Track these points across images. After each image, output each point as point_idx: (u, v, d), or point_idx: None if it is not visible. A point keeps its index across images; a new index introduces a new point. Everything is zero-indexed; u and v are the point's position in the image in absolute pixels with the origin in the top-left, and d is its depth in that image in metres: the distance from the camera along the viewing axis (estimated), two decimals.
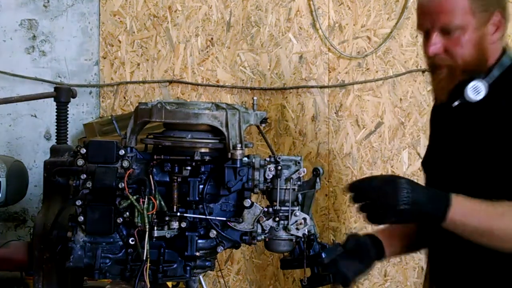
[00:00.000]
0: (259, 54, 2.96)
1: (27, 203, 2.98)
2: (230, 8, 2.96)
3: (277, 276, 2.98)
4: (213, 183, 1.49)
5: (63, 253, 1.49)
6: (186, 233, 1.47)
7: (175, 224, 1.44)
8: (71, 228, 1.46)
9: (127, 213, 1.43)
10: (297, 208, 1.50)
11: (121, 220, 1.44)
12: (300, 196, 1.52)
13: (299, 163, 1.51)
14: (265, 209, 1.49)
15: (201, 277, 2.67)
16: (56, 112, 2.42)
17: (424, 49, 1.68)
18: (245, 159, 1.48)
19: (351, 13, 2.95)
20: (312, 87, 2.95)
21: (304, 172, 1.49)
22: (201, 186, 1.48)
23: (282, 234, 1.51)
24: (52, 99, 2.43)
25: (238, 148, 1.43)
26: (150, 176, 1.44)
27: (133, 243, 1.45)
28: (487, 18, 1.61)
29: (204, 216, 1.47)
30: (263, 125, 1.55)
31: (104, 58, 2.99)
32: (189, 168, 1.46)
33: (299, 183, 1.50)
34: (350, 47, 2.95)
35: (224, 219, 1.49)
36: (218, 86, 2.96)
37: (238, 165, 1.45)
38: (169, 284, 1.68)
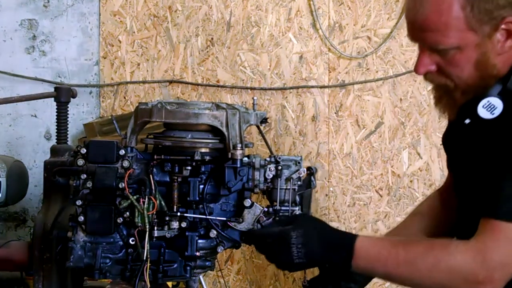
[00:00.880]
0: (259, 54, 2.96)
1: (27, 203, 2.98)
2: (230, 8, 2.96)
3: (277, 276, 2.98)
4: (213, 183, 1.50)
5: (63, 253, 1.49)
6: (186, 233, 1.47)
7: (175, 224, 1.44)
8: (71, 228, 1.46)
9: (127, 213, 1.43)
10: (297, 208, 1.51)
11: (121, 220, 1.44)
12: (297, 198, 1.52)
13: (299, 163, 1.51)
14: (265, 209, 1.49)
15: (201, 277, 2.67)
16: (56, 112, 2.42)
17: (415, 65, 1.47)
18: (245, 159, 1.48)
19: (351, 13, 2.95)
20: (312, 87, 2.95)
21: (304, 172, 1.49)
22: (201, 186, 1.48)
23: None
24: (52, 99, 2.44)
25: (238, 148, 1.43)
26: (151, 176, 1.44)
27: (133, 243, 1.45)
28: (494, 27, 1.35)
29: (204, 216, 1.47)
30: (263, 125, 1.55)
31: (104, 58, 2.99)
32: (189, 168, 1.46)
33: (299, 183, 1.50)
34: (350, 47, 2.95)
35: (224, 219, 1.49)
36: (218, 86, 2.96)
37: (238, 165, 1.45)
38: (169, 284, 1.68)
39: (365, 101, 2.95)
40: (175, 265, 1.50)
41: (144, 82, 2.98)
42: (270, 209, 1.50)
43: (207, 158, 1.46)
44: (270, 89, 2.96)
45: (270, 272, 2.98)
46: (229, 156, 1.44)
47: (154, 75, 2.98)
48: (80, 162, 1.44)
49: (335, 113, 2.96)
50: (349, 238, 1.40)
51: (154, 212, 1.42)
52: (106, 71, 2.99)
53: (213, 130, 1.46)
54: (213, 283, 3.00)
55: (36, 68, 3.01)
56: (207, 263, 1.53)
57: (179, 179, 1.46)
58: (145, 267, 1.41)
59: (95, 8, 3.00)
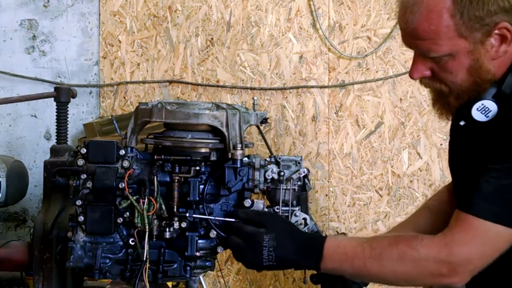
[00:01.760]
0: (259, 54, 2.96)
1: (27, 203, 2.98)
2: (230, 8, 2.96)
3: (277, 276, 2.98)
4: (214, 183, 1.50)
5: (63, 253, 1.49)
6: (186, 233, 1.47)
7: (175, 224, 1.44)
8: (71, 228, 1.46)
9: (127, 213, 1.43)
10: (297, 208, 1.51)
11: (121, 220, 1.44)
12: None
13: (299, 163, 1.51)
14: (266, 209, 1.49)
15: (201, 277, 2.67)
16: (56, 112, 2.42)
17: (409, 70, 1.48)
18: (245, 159, 1.48)
19: (351, 13, 2.95)
20: (312, 87, 2.95)
21: (304, 172, 1.50)
22: (201, 186, 1.48)
23: None
24: (52, 99, 2.44)
25: (239, 148, 1.43)
26: (155, 177, 1.44)
27: (133, 243, 1.45)
28: (486, 33, 1.36)
29: (205, 216, 1.47)
30: (263, 125, 1.55)
31: (104, 58, 2.99)
32: (197, 168, 1.46)
33: (299, 183, 1.50)
34: (350, 47, 2.95)
35: (226, 219, 1.49)
36: (218, 86, 2.96)
37: (238, 165, 1.45)
38: (169, 284, 1.68)
39: (365, 101, 2.95)
40: (175, 265, 1.50)
41: (144, 82, 2.98)
42: (271, 210, 1.50)
43: (212, 158, 1.46)
44: (270, 89, 2.96)
45: (270, 272, 2.98)
46: (229, 156, 1.44)
47: (154, 75, 2.98)
48: (80, 162, 1.44)
49: (335, 113, 2.96)
50: (318, 242, 1.42)
51: (154, 213, 1.42)
52: (106, 71, 2.99)
53: (213, 130, 1.46)
54: (213, 283, 3.00)
55: (36, 68, 3.01)
56: (207, 263, 1.53)
57: (181, 179, 1.46)
58: (145, 267, 1.41)
59: (95, 8, 3.00)
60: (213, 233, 1.48)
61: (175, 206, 1.45)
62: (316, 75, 2.95)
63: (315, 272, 1.55)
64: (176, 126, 1.48)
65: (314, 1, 2.92)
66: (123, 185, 1.41)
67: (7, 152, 3.00)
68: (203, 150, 1.46)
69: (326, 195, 2.97)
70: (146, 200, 1.42)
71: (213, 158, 1.47)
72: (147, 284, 1.41)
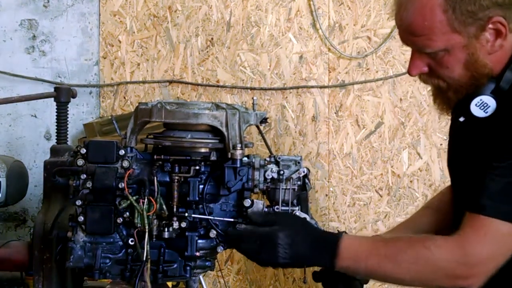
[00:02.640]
0: (259, 54, 2.96)
1: (27, 203, 2.98)
2: (230, 8, 2.96)
3: (277, 276, 2.98)
4: (213, 183, 1.50)
5: (63, 253, 1.49)
6: (186, 233, 1.47)
7: (175, 224, 1.44)
8: (71, 228, 1.46)
9: (127, 213, 1.43)
10: (297, 208, 1.51)
11: (121, 220, 1.44)
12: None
13: (299, 163, 1.51)
14: (266, 209, 1.49)
15: (201, 277, 2.67)
16: (56, 112, 2.42)
17: (408, 67, 1.50)
18: (245, 159, 1.49)
19: (351, 13, 2.95)
20: (312, 87, 2.95)
21: (304, 172, 1.50)
22: (201, 186, 1.48)
23: None
24: (52, 99, 2.44)
25: (238, 148, 1.43)
26: (155, 178, 1.44)
27: (133, 243, 1.45)
28: (480, 28, 1.37)
29: (205, 216, 1.47)
30: (263, 125, 1.55)
31: (104, 58, 2.99)
32: (197, 167, 1.46)
33: (299, 183, 1.50)
34: (350, 47, 2.95)
35: (225, 219, 1.49)
36: (218, 86, 2.96)
37: (238, 165, 1.45)
38: (169, 284, 1.68)
39: (365, 101, 2.95)
40: (175, 265, 1.50)
41: (144, 82, 2.98)
42: (271, 209, 1.50)
43: (213, 158, 1.46)
44: (270, 89, 2.96)
45: (270, 272, 2.98)
46: (229, 156, 1.44)
47: (154, 75, 2.98)
48: (80, 162, 1.44)
49: (335, 113, 2.96)
50: (333, 240, 1.41)
51: (154, 213, 1.42)
52: (106, 71, 2.99)
53: (213, 130, 1.46)
54: (213, 283, 3.00)
55: (36, 68, 3.01)
56: (207, 263, 1.53)
57: (181, 179, 1.46)
58: (145, 268, 1.41)
59: (95, 8, 3.00)
60: (213, 233, 1.48)
61: (175, 206, 1.45)
62: (316, 75, 2.95)
63: (319, 269, 1.55)
64: (175, 126, 1.48)
65: (314, 1, 2.92)
66: (123, 185, 1.41)
67: (7, 152, 3.00)
68: (202, 150, 1.46)
69: (326, 195, 2.97)
70: (146, 200, 1.42)
71: (212, 158, 1.47)
72: (149, 284, 1.41)
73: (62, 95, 2.38)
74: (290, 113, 2.96)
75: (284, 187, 1.49)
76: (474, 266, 1.34)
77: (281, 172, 1.48)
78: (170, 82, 2.97)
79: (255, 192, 1.51)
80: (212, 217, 1.48)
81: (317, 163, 2.95)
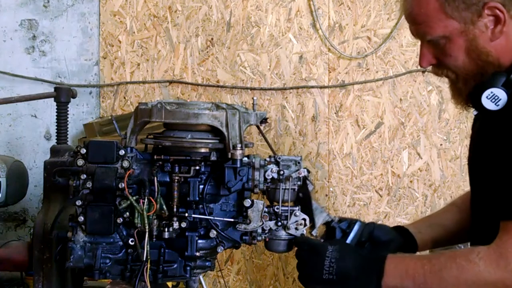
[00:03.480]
0: (259, 54, 2.96)
1: (27, 203, 2.98)
2: (230, 8, 2.96)
3: (277, 276, 2.98)
4: (213, 183, 1.49)
5: (63, 253, 1.49)
6: (186, 233, 1.47)
7: (175, 224, 1.44)
8: (71, 228, 1.46)
9: (127, 214, 1.43)
10: (297, 208, 1.51)
11: (121, 220, 1.44)
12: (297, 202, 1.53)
13: (299, 163, 1.51)
14: (266, 209, 1.49)
15: (201, 277, 2.67)
16: (56, 112, 2.43)
17: (418, 59, 1.54)
18: (245, 159, 1.48)
19: (351, 13, 2.95)
20: (312, 87, 2.95)
21: (304, 172, 1.50)
22: (201, 186, 1.48)
23: (282, 234, 1.51)
24: (52, 99, 2.44)
25: (238, 148, 1.43)
26: (155, 178, 1.43)
27: (133, 243, 1.45)
28: (475, 15, 1.39)
29: (205, 216, 1.47)
30: (263, 125, 1.55)
31: (104, 58, 3.00)
32: (197, 168, 1.46)
33: (299, 183, 1.51)
34: (350, 47, 2.95)
35: (225, 219, 1.49)
36: (218, 86, 2.96)
37: (238, 165, 1.45)
38: (169, 284, 1.68)
39: (365, 101, 2.95)
40: (175, 265, 1.49)
41: (144, 82, 2.98)
42: (271, 209, 1.50)
43: (213, 158, 1.46)
44: (270, 89, 2.96)
45: (270, 272, 2.98)
46: (229, 156, 1.44)
47: (154, 75, 2.98)
48: (80, 162, 1.44)
49: (335, 113, 2.96)
50: (379, 259, 1.41)
51: (154, 213, 1.42)
52: (106, 71, 2.99)
53: (213, 130, 1.46)
54: (213, 283, 3.00)
55: (36, 68, 3.01)
56: (207, 263, 1.53)
57: (181, 179, 1.46)
58: (145, 268, 1.41)
59: (95, 8, 3.00)
60: (213, 233, 1.48)
61: (175, 206, 1.45)
62: (316, 75, 2.95)
63: None
64: (175, 126, 1.48)
65: (314, 1, 2.92)
66: (123, 185, 1.41)
67: (7, 152, 3.00)
68: (203, 150, 1.46)
69: (326, 195, 2.97)
70: (146, 200, 1.42)
71: (213, 158, 1.47)
72: (148, 285, 1.41)
73: (62, 95, 2.39)
74: (290, 113, 2.96)
75: (284, 187, 1.49)
76: None
77: (281, 172, 1.48)
78: (170, 82, 2.97)
79: (255, 192, 1.51)
80: (212, 217, 1.48)
81: (317, 163, 2.95)
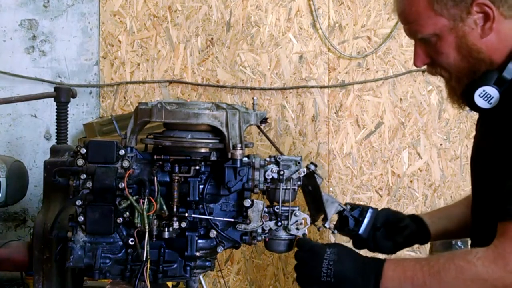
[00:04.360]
0: (259, 54, 2.96)
1: (27, 203, 2.98)
2: (230, 8, 2.96)
3: (277, 276, 2.98)
4: (213, 183, 1.49)
5: (63, 253, 1.49)
6: (186, 233, 1.47)
7: (175, 224, 1.44)
8: (71, 228, 1.46)
9: (127, 213, 1.43)
10: (297, 208, 1.51)
11: (121, 220, 1.44)
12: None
13: (299, 163, 1.51)
14: (266, 209, 1.49)
15: (201, 277, 2.67)
16: (56, 112, 2.43)
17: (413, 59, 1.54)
18: (245, 159, 1.48)
19: (351, 13, 2.95)
20: (312, 87, 2.95)
21: (304, 172, 1.50)
22: (201, 186, 1.48)
23: (282, 234, 1.51)
24: (52, 99, 2.44)
25: (238, 148, 1.43)
26: (155, 178, 1.43)
27: (133, 243, 1.45)
28: (464, 12, 1.39)
29: (205, 216, 1.47)
30: (263, 125, 1.55)
31: (104, 58, 2.99)
32: (197, 167, 1.46)
33: (299, 183, 1.51)
34: (350, 47, 2.95)
35: (225, 219, 1.49)
36: (218, 86, 2.96)
37: (238, 165, 1.45)
38: (169, 284, 1.68)
39: (365, 101, 2.95)
40: (175, 265, 1.50)
41: (144, 82, 2.98)
42: (271, 210, 1.50)
43: (213, 158, 1.46)
44: (270, 89, 2.96)
45: (270, 272, 2.98)
46: (229, 156, 1.44)
47: (154, 75, 2.98)
48: (80, 162, 1.44)
49: (335, 113, 2.96)
50: (377, 262, 1.41)
51: (154, 213, 1.42)
52: (106, 71, 2.99)
53: (213, 130, 1.46)
54: (213, 283, 3.00)
55: (36, 68, 3.01)
56: (207, 263, 1.53)
57: (181, 179, 1.46)
58: (145, 268, 1.41)
59: (95, 8, 3.00)
60: (213, 233, 1.48)
61: (175, 206, 1.45)
62: (316, 75, 2.95)
63: None
64: (176, 126, 1.48)
65: (314, 1, 2.92)
66: (123, 185, 1.41)
67: (7, 152, 3.00)
68: (203, 150, 1.46)
69: None
70: (146, 200, 1.42)
71: (213, 158, 1.47)
72: (148, 285, 1.41)
73: (62, 95, 2.39)
74: (290, 113, 2.96)
75: (284, 187, 1.49)
76: None
77: (281, 172, 1.48)
78: (170, 82, 2.97)
79: (255, 192, 1.51)
80: (212, 217, 1.48)
81: (317, 163, 2.95)
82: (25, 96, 2.67)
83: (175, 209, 1.45)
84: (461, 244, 2.82)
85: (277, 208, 1.49)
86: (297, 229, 1.51)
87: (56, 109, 2.42)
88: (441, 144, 2.95)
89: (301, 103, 2.96)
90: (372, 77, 2.95)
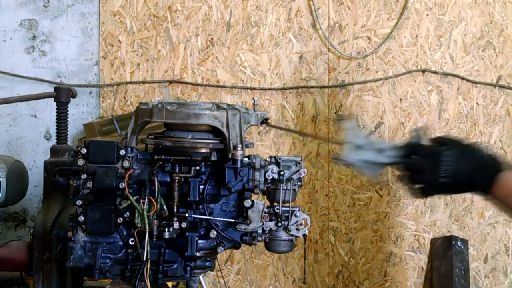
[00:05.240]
0: (259, 54, 2.96)
1: (27, 203, 2.98)
2: (230, 8, 2.96)
3: (277, 276, 2.98)
4: (214, 184, 1.50)
5: (63, 253, 1.49)
6: (187, 234, 1.47)
7: (175, 224, 1.45)
8: (71, 228, 1.46)
9: (128, 213, 1.43)
10: (297, 208, 1.51)
11: (122, 220, 1.44)
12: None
13: (299, 163, 1.51)
14: (266, 209, 1.49)
15: (201, 277, 2.67)
16: (56, 112, 2.42)
17: None
18: (246, 159, 1.49)
19: (351, 13, 2.95)
20: (312, 87, 2.95)
21: (304, 172, 1.50)
22: (201, 186, 1.48)
23: (282, 234, 1.51)
24: (52, 99, 2.43)
25: (239, 149, 1.43)
26: (155, 178, 1.44)
27: (133, 243, 1.45)
28: None
29: (205, 217, 1.47)
30: (264, 125, 1.55)
31: (104, 58, 2.99)
32: (198, 168, 1.46)
33: (299, 183, 1.51)
34: (350, 47, 2.95)
35: (226, 219, 1.49)
36: (218, 86, 2.96)
37: (239, 166, 1.45)
38: (169, 284, 1.69)
39: (365, 101, 2.95)
40: (175, 265, 1.50)
41: (144, 82, 2.98)
42: (271, 210, 1.50)
43: (214, 158, 1.46)
44: (270, 89, 2.96)
45: (270, 272, 2.98)
46: (230, 156, 1.44)
47: (154, 75, 2.98)
48: (81, 162, 1.44)
49: (335, 113, 2.96)
50: (497, 165, 1.39)
51: (154, 213, 1.42)
52: (106, 71, 2.99)
53: (214, 131, 1.46)
54: (213, 283, 3.00)
55: (36, 68, 3.01)
56: (207, 263, 1.53)
57: (182, 179, 1.46)
58: (145, 268, 1.41)
59: (95, 8, 3.00)
60: (213, 233, 1.48)
61: (175, 206, 1.45)
62: (316, 75, 2.95)
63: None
64: (176, 126, 1.48)
65: (314, 1, 2.92)
66: (123, 185, 1.41)
67: (7, 152, 3.00)
68: (203, 150, 1.46)
69: (326, 195, 2.97)
70: (146, 200, 1.42)
71: (213, 158, 1.47)
72: (148, 285, 1.41)
73: (62, 95, 2.38)
74: (290, 113, 2.96)
75: (285, 188, 1.49)
76: None
77: (282, 172, 1.48)
78: (170, 82, 2.97)
79: (255, 193, 1.51)
80: (212, 218, 1.48)
81: (317, 163, 2.95)
82: (25, 96, 2.67)
83: (175, 209, 1.45)
84: (461, 244, 2.83)
85: (277, 209, 1.49)
86: (297, 229, 1.51)
87: (56, 109, 2.42)
88: None
89: (301, 103, 2.96)
90: (372, 77, 2.95)
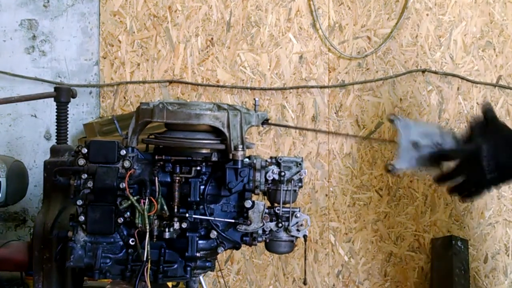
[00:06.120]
0: (259, 54, 2.96)
1: (27, 203, 2.98)
2: (230, 8, 2.96)
3: (277, 276, 2.98)
4: (214, 184, 1.50)
5: (63, 253, 1.49)
6: (187, 234, 1.47)
7: (176, 225, 1.44)
8: (71, 228, 1.46)
9: (128, 213, 1.43)
10: (298, 209, 1.51)
11: (122, 220, 1.44)
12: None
13: (300, 164, 1.51)
14: (267, 210, 1.49)
15: (201, 277, 2.67)
16: (56, 112, 2.42)
17: None
18: (246, 160, 1.49)
19: (351, 13, 2.95)
20: (312, 87, 2.95)
21: (305, 173, 1.50)
22: (202, 187, 1.48)
23: (283, 235, 1.51)
24: (52, 99, 2.43)
25: (240, 149, 1.43)
26: (156, 178, 1.43)
27: (133, 243, 1.45)
28: None
29: (206, 217, 1.47)
30: (264, 126, 1.55)
31: (104, 58, 2.99)
32: (198, 168, 1.46)
33: (300, 184, 1.51)
34: (350, 47, 2.95)
35: (226, 220, 1.49)
36: (218, 86, 2.96)
37: (239, 166, 1.45)
38: (169, 284, 1.68)
39: (365, 101, 2.95)
40: (175, 266, 1.50)
41: (144, 82, 2.98)
42: (271, 210, 1.50)
43: (214, 159, 1.46)
44: (270, 89, 2.96)
45: (270, 272, 2.98)
46: (230, 157, 1.44)
47: (154, 75, 2.98)
48: (81, 161, 1.44)
49: (335, 113, 2.96)
50: None
51: (154, 213, 1.42)
52: (106, 71, 2.99)
53: (215, 131, 1.46)
54: (213, 283, 3.00)
55: (36, 68, 3.01)
56: (207, 264, 1.53)
57: (182, 180, 1.46)
58: (145, 268, 1.41)
59: (95, 8, 3.00)
60: (213, 234, 1.48)
61: (176, 207, 1.45)
62: (316, 75, 2.95)
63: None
64: (177, 126, 1.48)
65: (314, 1, 2.92)
66: (124, 185, 1.41)
67: (7, 152, 3.00)
68: (204, 151, 1.46)
69: (326, 195, 2.97)
70: (147, 200, 1.42)
71: (214, 158, 1.47)
72: (149, 285, 1.41)
73: (62, 95, 2.38)
74: (290, 113, 2.96)
75: (285, 189, 1.49)
76: None
77: (282, 173, 1.48)
78: (170, 82, 2.97)
79: (256, 193, 1.51)
80: (213, 218, 1.48)
81: (317, 163, 2.95)
82: (25, 96, 2.67)
83: (176, 210, 1.45)
84: (461, 244, 2.83)
85: (278, 209, 1.49)
86: (298, 230, 1.51)
87: (56, 109, 2.42)
88: None
89: (301, 103, 2.96)
90: (372, 77, 2.95)
